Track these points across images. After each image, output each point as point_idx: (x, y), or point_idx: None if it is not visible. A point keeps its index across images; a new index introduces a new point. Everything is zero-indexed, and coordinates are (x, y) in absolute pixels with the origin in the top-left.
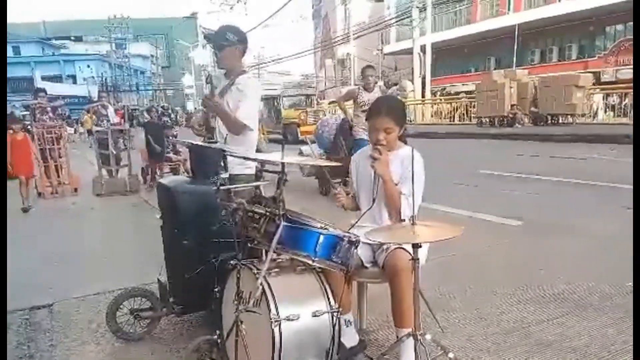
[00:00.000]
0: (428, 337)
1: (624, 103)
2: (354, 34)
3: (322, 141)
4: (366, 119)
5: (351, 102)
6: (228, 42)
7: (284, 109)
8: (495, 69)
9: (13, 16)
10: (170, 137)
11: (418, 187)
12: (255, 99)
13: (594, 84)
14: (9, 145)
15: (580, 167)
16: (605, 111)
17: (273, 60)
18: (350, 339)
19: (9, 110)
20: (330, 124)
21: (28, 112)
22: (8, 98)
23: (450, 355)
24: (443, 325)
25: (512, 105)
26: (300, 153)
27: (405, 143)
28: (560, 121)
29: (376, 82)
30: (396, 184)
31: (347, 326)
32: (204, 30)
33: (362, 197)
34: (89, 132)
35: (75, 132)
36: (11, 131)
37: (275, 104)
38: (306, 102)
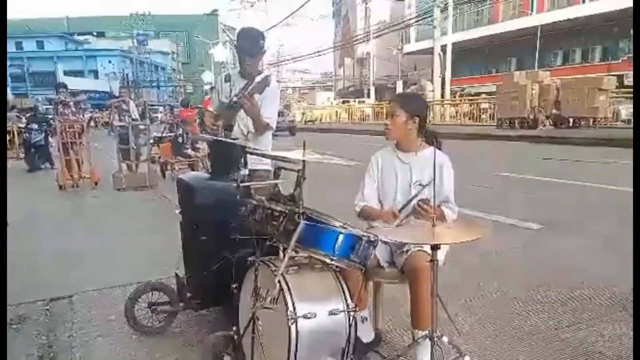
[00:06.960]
0: (445, 339)
1: None
2: (374, 33)
3: None
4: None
5: None
6: (262, 51)
7: None
8: (516, 70)
9: (37, 11)
10: (189, 134)
11: (449, 184)
12: (276, 101)
13: (617, 87)
14: None
15: (602, 171)
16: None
17: (292, 59)
18: (366, 334)
19: (32, 104)
20: None
21: (51, 106)
22: (32, 92)
23: (467, 358)
24: (459, 327)
25: (533, 107)
26: None
27: (428, 144)
28: (583, 124)
29: None
30: (425, 185)
31: (363, 322)
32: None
33: (385, 197)
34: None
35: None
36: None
37: None
38: None
